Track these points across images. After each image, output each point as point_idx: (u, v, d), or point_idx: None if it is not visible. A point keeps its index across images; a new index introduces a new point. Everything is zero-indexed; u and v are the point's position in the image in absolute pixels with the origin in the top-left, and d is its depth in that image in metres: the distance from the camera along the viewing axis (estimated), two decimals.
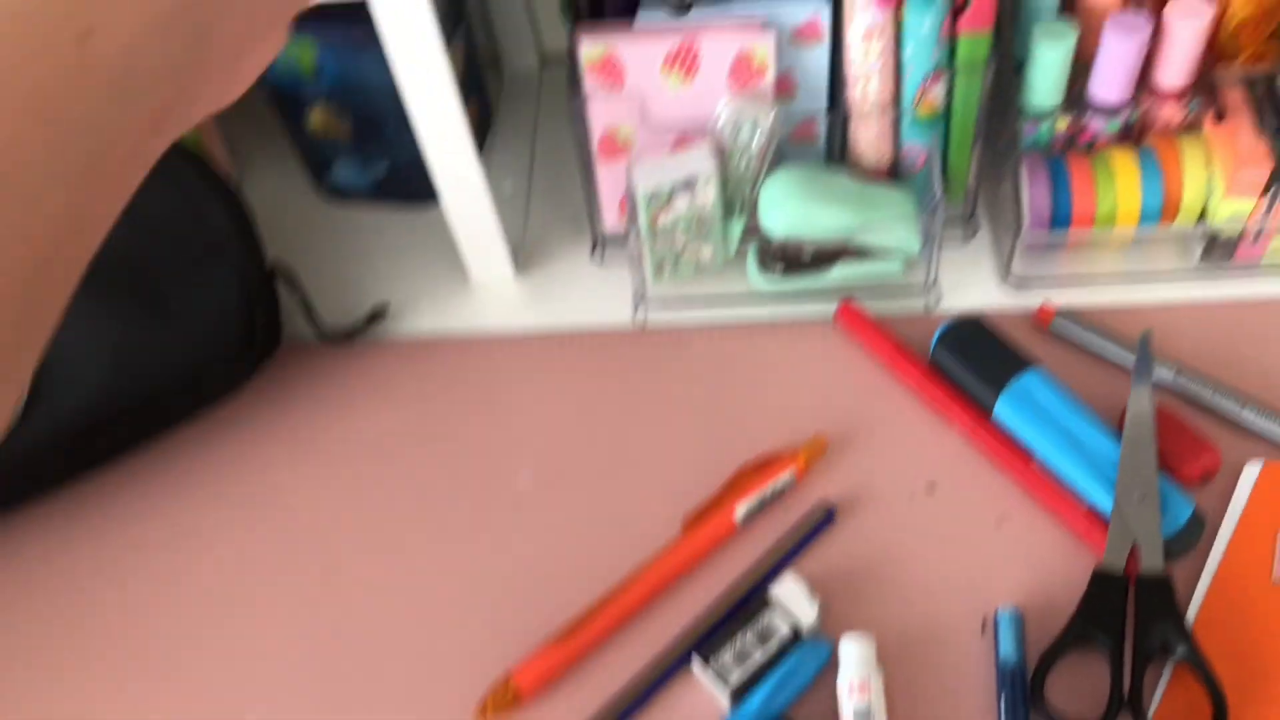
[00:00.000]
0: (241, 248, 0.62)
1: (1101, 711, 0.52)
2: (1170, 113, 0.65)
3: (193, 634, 0.60)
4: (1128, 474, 0.57)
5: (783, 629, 0.55)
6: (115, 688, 0.58)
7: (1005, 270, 0.68)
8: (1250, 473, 0.59)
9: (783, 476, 0.60)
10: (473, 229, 0.67)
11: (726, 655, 0.55)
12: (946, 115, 0.65)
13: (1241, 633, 0.55)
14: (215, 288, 0.62)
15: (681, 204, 0.64)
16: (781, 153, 0.66)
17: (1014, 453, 0.60)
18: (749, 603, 0.57)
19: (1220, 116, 0.62)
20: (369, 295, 0.71)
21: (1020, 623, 0.55)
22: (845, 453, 0.62)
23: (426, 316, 0.70)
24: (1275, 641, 0.54)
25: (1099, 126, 0.66)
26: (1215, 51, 0.64)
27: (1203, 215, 0.65)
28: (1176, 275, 0.67)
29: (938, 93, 0.63)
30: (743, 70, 0.62)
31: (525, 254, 0.72)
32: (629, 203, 0.65)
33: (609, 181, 0.69)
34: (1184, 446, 0.60)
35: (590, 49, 0.62)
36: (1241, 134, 0.61)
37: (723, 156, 0.64)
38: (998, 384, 0.61)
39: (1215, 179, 0.63)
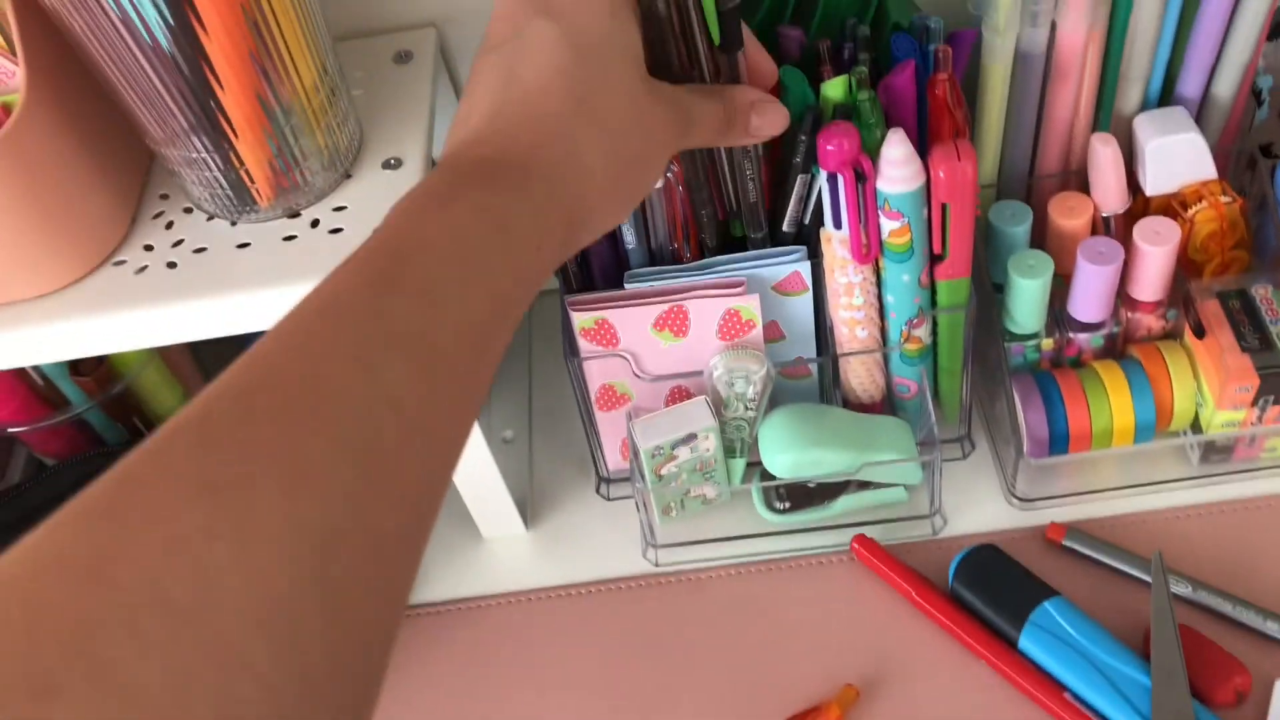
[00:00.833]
0: None
1: None
2: (1150, 323, 0.67)
3: None
4: (1162, 708, 0.57)
5: None
6: None
7: (1010, 490, 0.68)
8: None
9: None
10: (479, 493, 0.67)
11: None
12: (934, 347, 0.66)
13: None
14: None
15: (683, 454, 0.65)
16: (776, 388, 0.67)
17: (1045, 685, 0.60)
18: None
19: (1200, 333, 0.63)
20: None
21: None
22: (877, 695, 0.61)
23: (442, 581, 0.70)
24: None
25: (1083, 341, 0.67)
26: (1185, 262, 0.66)
27: (1196, 420, 0.66)
28: (1179, 482, 0.68)
29: (923, 332, 0.64)
30: (732, 325, 0.63)
31: (533, 505, 0.72)
32: (631, 457, 0.66)
33: (610, 427, 0.69)
34: (1213, 669, 0.59)
35: (582, 318, 0.63)
36: (1226, 350, 0.62)
37: (719, 407, 0.65)
38: (1019, 615, 0.61)
39: (1204, 390, 0.64)
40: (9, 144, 0.50)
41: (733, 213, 0.62)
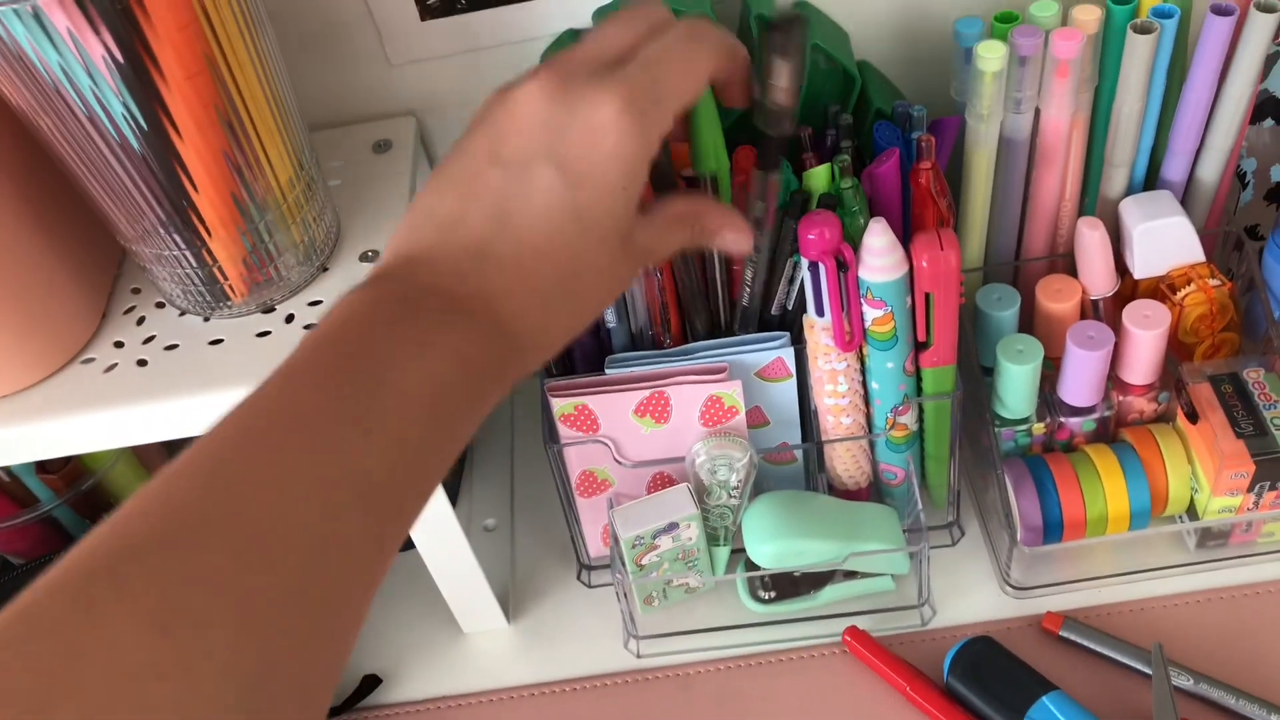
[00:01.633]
0: None
1: None
2: (1142, 406, 0.66)
3: None
4: None
5: None
6: None
7: (1004, 578, 0.67)
8: None
9: None
10: (458, 586, 0.66)
11: None
12: (920, 434, 0.65)
13: None
14: None
15: (665, 543, 0.64)
16: (761, 475, 0.66)
17: None
18: None
19: (1193, 418, 0.62)
20: (360, 654, 0.69)
21: None
22: None
23: (420, 678, 0.68)
24: None
25: (1075, 426, 0.66)
26: (1175, 345, 0.65)
27: (1191, 505, 0.65)
28: (1176, 568, 0.66)
29: (909, 418, 0.63)
30: (714, 411, 0.62)
31: (515, 595, 0.71)
32: (611, 545, 0.64)
33: (590, 513, 0.68)
34: None
35: (562, 404, 0.62)
36: (1220, 436, 0.61)
37: (702, 494, 0.64)
38: (1017, 711, 0.59)
39: (1199, 474, 0.63)
40: None
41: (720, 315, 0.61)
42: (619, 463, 0.64)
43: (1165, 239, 0.63)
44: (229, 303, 0.55)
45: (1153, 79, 0.60)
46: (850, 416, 0.63)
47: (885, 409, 0.62)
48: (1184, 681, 0.61)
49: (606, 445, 0.64)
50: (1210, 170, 0.64)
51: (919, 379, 0.62)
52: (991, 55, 0.58)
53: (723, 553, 0.66)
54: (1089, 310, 0.65)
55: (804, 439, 0.66)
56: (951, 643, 0.63)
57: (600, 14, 0.63)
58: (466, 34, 0.63)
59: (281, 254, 0.54)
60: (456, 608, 0.67)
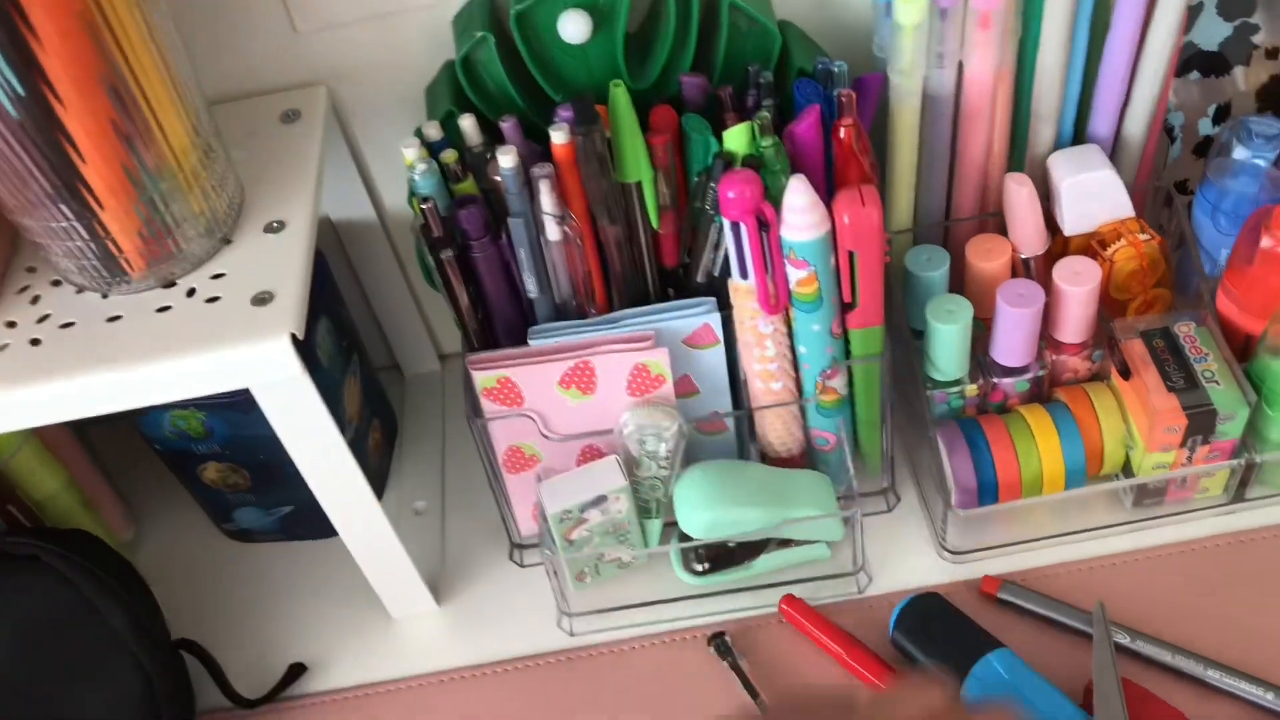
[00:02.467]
0: (143, 637, 0.59)
1: None
2: (1075, 364, 0.65)
3: None
4: None
5: None
6: None
7: (941, 542, 0.66)
8: None
9: None
10: (384, 571, 0.64)
11: None
12: (851, 398, 0.64)
13: None
14: (116, 684, 0.58)
15: (594, 516, 0.62)
16: (692, 444, 0.65)
17: None
18: None
19: (1126, 374, 0.62)
20: (286, 643, 0.67)
21: None
22: None
23: (349, 665, 0.66)
24: None
25: (1008, 386, 0.65)
26: (1107, 302, 0.64)
27: (1127, 463, 0.64)
28: (1114, 527, 0.66)
29: (838, 383, 0.62)
30: (641, 380, 0.61)
31: (446, 578, 0.69)
32: (540, 521, 0.63)
33: (520, 490, 0.66)
34: None
35: (483, 377, 0.61)
36: (1152, 390, 0.60)
37: (631, 466, 0.62)
38: (961, 669, 0.58)
39: (1133, 431, 0.63)
40: None
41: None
42: (546, 437, 0.63)
43: (1094, 193, 0.62)
44: (127, 278, 0.52)
45: (1076, 30, 0.59)
46: (779, 382, 0.62)
47: (814, 373, 0.61)
48: (1122, 639, 0.60)
49: (532, 419, 0.62)
50: (1137, 124, 0.63)
51: (847, 342, 0.61)
52: (911, 8, 0.56)
53: (655, 525, 0.65)
54: (1020, 269, 0.64)
55: (734, 407, 0.65)
56: (888, 609, 0.63)
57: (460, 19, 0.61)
58: None
59: (180, 225, 0.52)
60: (383, 593, 0.66)
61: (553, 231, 0.58)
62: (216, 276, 0.53)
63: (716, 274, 0.61)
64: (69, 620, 0.57)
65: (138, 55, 0.48)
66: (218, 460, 0.66)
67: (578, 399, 0.61)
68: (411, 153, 0.57)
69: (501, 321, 0.62)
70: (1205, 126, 0.68)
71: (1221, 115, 0.68)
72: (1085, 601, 0.62)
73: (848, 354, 0.61)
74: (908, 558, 0.66)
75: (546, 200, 0.57)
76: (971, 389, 0.65)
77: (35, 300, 0.54)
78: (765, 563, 0.65)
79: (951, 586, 0.64)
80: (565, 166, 0.57)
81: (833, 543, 0.65)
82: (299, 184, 0.57)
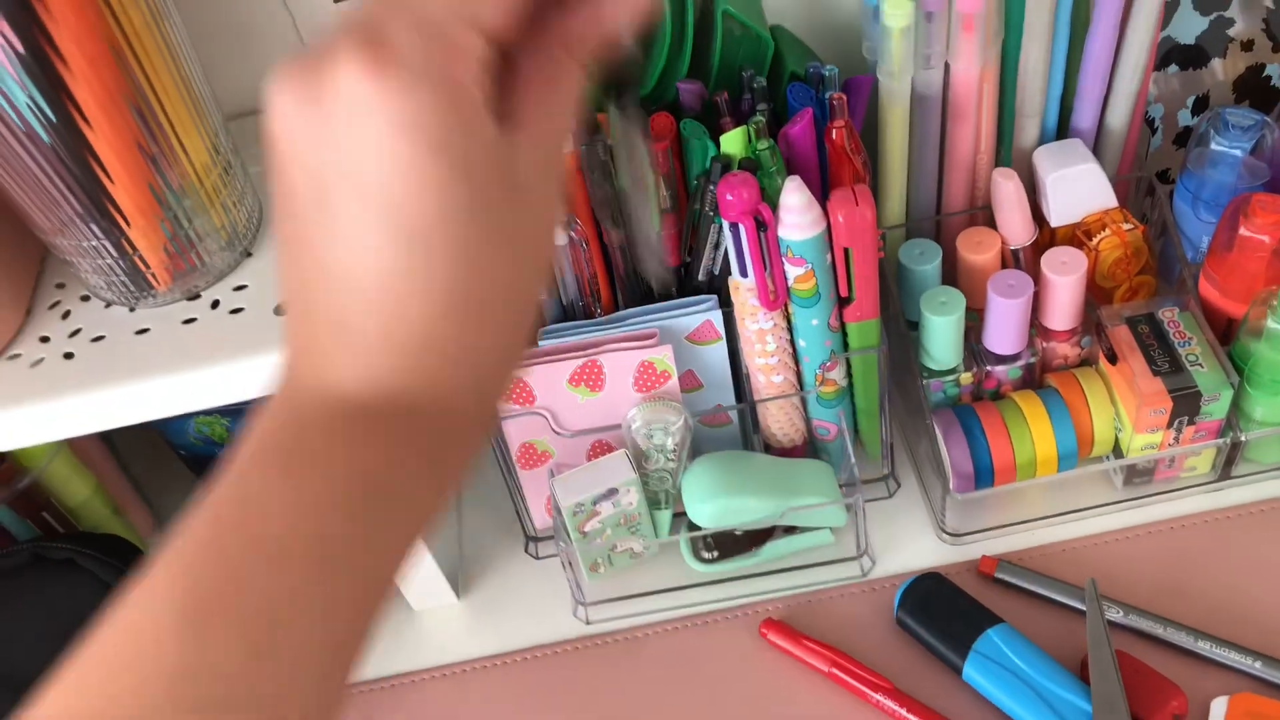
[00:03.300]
0: None
1: None
2: (1065, 351, 0.67)
3: None
4: None
5: None
6: None
7: (940, 526, 0.68)
8: (1218, 710, 0.59)
9: None
10: (408, 574, 0.66)
11: None
12: (850, 389, 0.67)
13: None
14: None
15: (606, 509, 0.65)
16: (697, 437, 0.67)
17: None
18: None
19: (1113, 359, 0.64)
20: None
21: None
22: None
23: (372, 657, 0.67)
24: None
25: (1001, 374, 0.67)
26: (1094, 290, 0.67)
27: (1117, 445, 0.67)
28: (1105, 506, 0.68)
29: (837, 374, 0.64)
30: (647, 377, 0.63)
31: (465, 571, 0.72)
32: (554, 515, 0.65)
33: (533, 485, 0.69)
34: (1151, 693, 0.59)
35: None
36: (1138, 375, 0.62)
37: (640, 459, 0.65)
38: (964, 645, 0.61)
39: (1121, 414, 0.65)
40: None
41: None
42: (557, 433, 0.65)
43: (1078, 186, 0.65)
44: (153, 292, 0.55)
45: (1056, 30, 0.62)
46: (780, 375, 0.64)
47: (814, 366, 0.64)
48: (1116, 615, 0.63)
49: (544, 416, 0.65)
50: (1118, 117, 0.66)
51: (845, 335, 0.63)
52: (898, 12, 0.59)
53: (664, 516, 0.67)
54: (1009, 260, 0.67)
55: (738, 400, 0.67)
56: (892, 591, 0.65)
57: None
58: None
59: (203, 239, 0.54)
60: (405, 587, 0.68)
61: (559, 236, 0.60)
62: (239, 288, 0.56)
63: (717, 272, 0.63)
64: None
65: (160, 77, 0.50)
66: None
67: (587, 396, 0.64)
68: None
69: None
70: (1185, 117, 0.71)
71: (1200, 106, 0.70)
72: (1080, 579, 0.64)
73: (846, 346, 0.64)
74: (909, 541, 0.69)
75: None
76: (966, 377, 0.67)
77: (66, 315, 0.56)
78: (772, 549, 0.67)
79: (951, 567, 0.67)
80: (570, 174, 0.59)
81: (836, 529, 0.68)
82: None
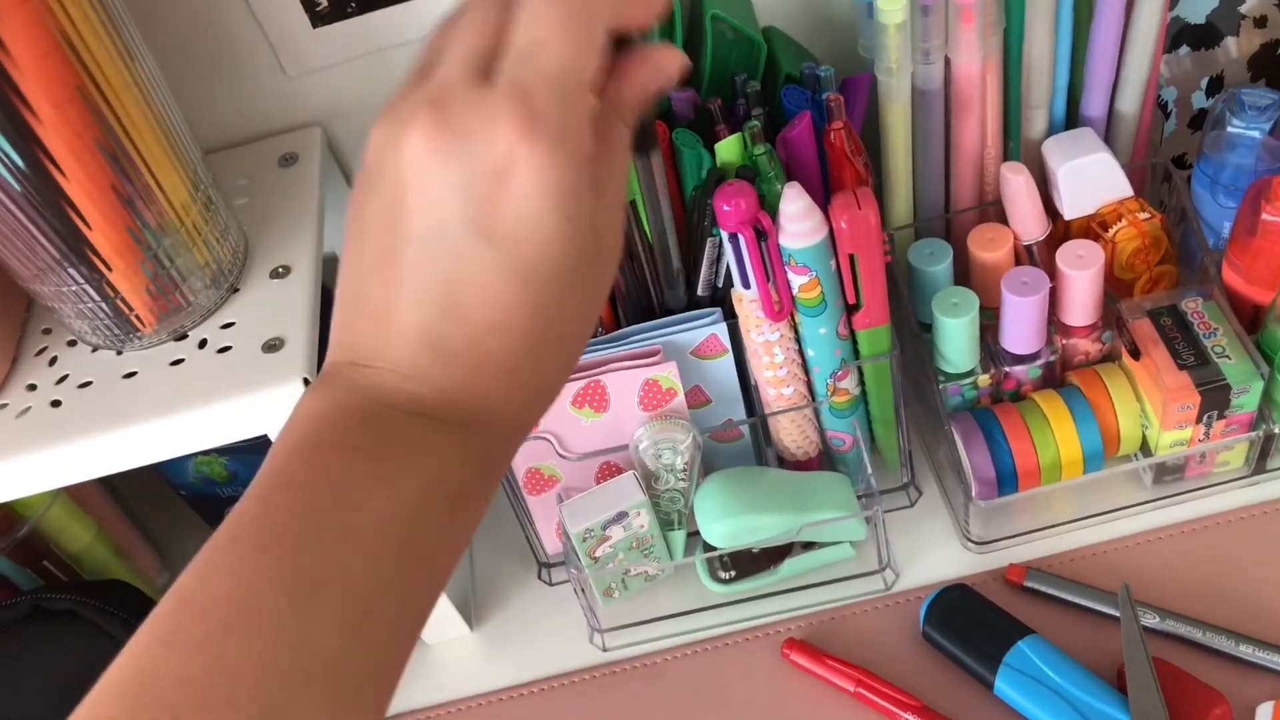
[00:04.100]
0: None
1: None
2: (1086, 347, 0.65)
3: None
4: None
5: None
6: None
7: (964, 534, 0.66)
8: (1263, 716, 0.56)
9: None
10: None
11: None
12: (864, 397, 0.64)
13: None
14: None
15: (616, 533, 0.63)
16: (709, 453, 0.65)
17: None
18: None
19: (1136, 354, 0.62)
20: None
21: None
22: None
23: None
24: None
25: (1020, 374, 0.65)
26: (1113, 283, 0.64)
27: (1145, 443, 0.64)
28: (1135, 507, 0.66)
29: (849, 383, 0.62)
30: (652, 395, 0.61)
31: (477, 601, 0.70)
32: (564, 541, 0.63)
33: (542, 511, 0.67)
34: (1192, 702, 0.56)
35: None
36: (1163, 369, 0.60)
37: (650, 480, 0.63)
38: (993, 658, 0.59)
39: (1148, 411, 0.63)
40: None
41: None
42: (563, 457, 0.63)
43: (1090, 176, 0.62)
44: (139, 334, 0.53)
45: (1059, 16, 0.59)
46: (791, 387, 0.62)
47: (824, 376, 0.62)
48: (1151, 620, 0.60)
49: (548, 440, 0.63)
50: (1129, 103, 0.63)
51: (855, 342, 0.61)
52: (892, 8, 0.57)
53: (678, 536, 0.65)
54: (1023, 256, 0.65)
55: (748, 414, 0.65)
56: (917, 605, 0.63)
57: None
58: (362, 37, 0.61)
59: (186, 279, 0.53)
60: None
61: None
62: (226, 326, 0.54)
63: (719, 285, 0.61)
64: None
65: (132, 117, 0.49)
66: None
67: (591, 417, 0.62)
68: None
69: None
70: (1199, 99, 0.68)
71: (1215, 87, 0.68)
72: (1112, 584, 0.62)
73: (857, 354, 0.62)
74: (932, 551, 0.66)
75: None
76: (984, 379, 0.65)
77: (53, 362, 0.55)
78: (791, 566, 0.65)
79: (977, 577, 0.64)
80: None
81: (856, 542, 0.66)
82: (301, 227, 0.58)
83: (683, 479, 0.63)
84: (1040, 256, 0.64)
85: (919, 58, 0.59)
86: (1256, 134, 0.61)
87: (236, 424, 0.51)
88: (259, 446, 0.62)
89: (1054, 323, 0.64)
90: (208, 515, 0.69)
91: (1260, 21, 0.66)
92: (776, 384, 0.62)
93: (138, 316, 0.53)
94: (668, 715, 0.63)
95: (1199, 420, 0.61)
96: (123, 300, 0.52)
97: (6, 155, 0.45)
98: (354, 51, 0.62)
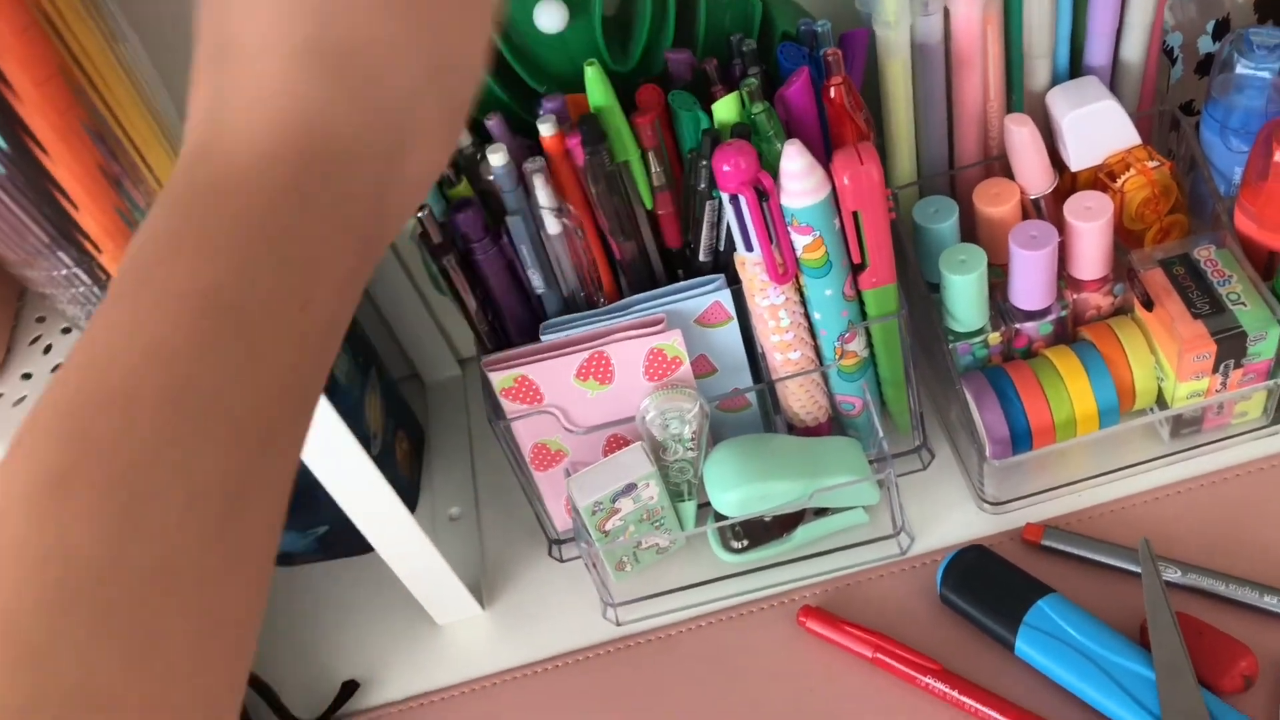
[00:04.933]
0: None
1: None
2: (1097, 301, 0.64)
3: None
4: (1171, 707, 0.53)
5: None
6: None
7: (979, 494, 0.65)
8: None
9: None
10: (424, 580, 0.64)
11: None
12: (872, 359, 0.63)
13: None
14: None
15: (626, 505, 0.62)
16: (717, 423, 0.64)
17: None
18: None
19: (1149, 305, 0.60)
20: (336, 662, 0.68)
21: None
22: None
23: (402, 677, 0.66)
24: None
25: (1031, 331, 0.64)
26: (1123, 234, 0.63)
27: (1160, 396, 0.63)
28: (1153, 461, 0.64)
29: (857, 345, 0.61)
30: (658, 365, 0.60)
31: (488, 580, 0.69)
32: (574, 516, 0.62)
33: (551, 486, 0.66)
34: (1217, 655, 0.56)
35: (500, 378, 0.60)
36: (1177, 319, 0.59)
37: (658, 451, 0.62)
38: (1013, 619, 0.58)
39: (1163, 363, 0.61)
40: None
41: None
42: (569, 431, 0.63)
43: (1096, 125, 0.61)
44: None
45: None
46: (797, 351, 0.61)
47: (832, 339, 0.61)
48: (1173, 574, 0.59)
49: (554, 414, 0.62)
50: (1134, 50, 0.62)
51: (861, 303, 0.60)
52: None
53: (689, 507, 0.65)
54: (1030, 210, 0.63)
55: (754, 381, 0.64)
56: (933, 568, 0.62)
57: None
58: None
59: None
60: (427, 602, 0.66)
61: (552, 225, 0.57)
62: None
63: (721, 249, 0.60)
64: None
65: (116, 97, 0.48)
66: None
67: (597, 389, 0.61)
68: None
69: (512, 320, 0.62)
70: (1206, 44, 0.67)
71: (1221, 30, 0.66)
72: (1131, 540, 0.61)
73: (864, 315, 0.61)
74: (947, 513, 0.65)
75: (542, 194, 0.56)
76: (994, 337, 0.64)
77: (48, 350, 0.54)
78: (804, 533, 0.64)
79: (994, 538, 0.63)
80: (556, 158, 0.56)
81: (870, 507, 0.65)
82: None
83: (691, 449, 0.62)
84: (1048, 210, 0.63)
85: (918, 9, 0.58)
86: (1266, 74, 0.59)
87: None
88: None
89: (1064, 277, 0.63)
90: None
91: None
92: (783, 349, 0.61)
93: None
94: (684, 688, 0.62)
95: (1215, 370, 0.60)
96: None
97: None
98: None
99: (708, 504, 0.63)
